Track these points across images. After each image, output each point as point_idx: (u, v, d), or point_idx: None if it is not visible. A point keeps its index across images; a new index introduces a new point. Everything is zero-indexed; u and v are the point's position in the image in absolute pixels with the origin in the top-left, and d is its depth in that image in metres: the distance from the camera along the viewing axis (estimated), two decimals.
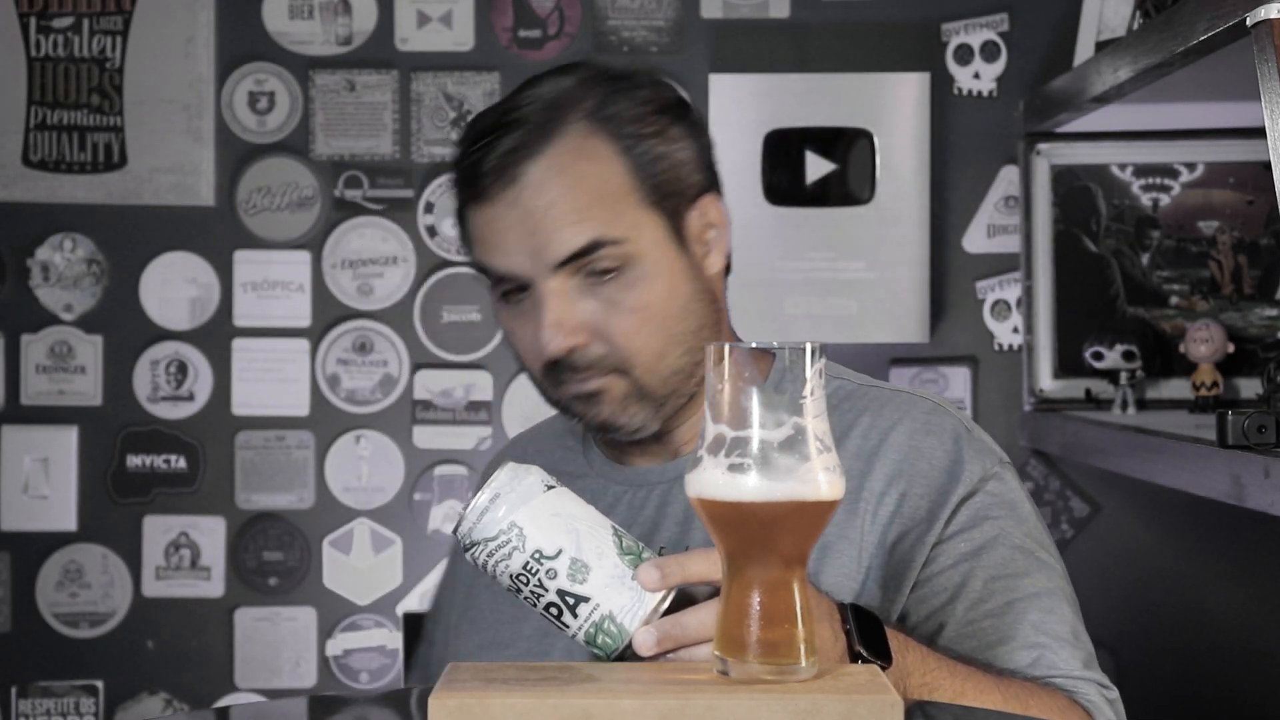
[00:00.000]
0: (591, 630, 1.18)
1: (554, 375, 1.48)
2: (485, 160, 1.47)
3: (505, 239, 1.47)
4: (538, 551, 1.18)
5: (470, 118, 1.56)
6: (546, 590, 1.18)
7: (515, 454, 1.63)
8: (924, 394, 1.56)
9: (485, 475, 1.59)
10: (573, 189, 1.46)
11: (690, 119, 1.53)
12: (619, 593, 1.18)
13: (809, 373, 1.13)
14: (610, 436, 1.52)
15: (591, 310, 1.46)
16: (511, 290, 1.49)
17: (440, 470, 2.71)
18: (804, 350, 1.13)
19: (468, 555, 1.21)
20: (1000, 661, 1.42)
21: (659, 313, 1.47)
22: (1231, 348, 2.47)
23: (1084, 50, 2.48)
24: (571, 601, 1.18)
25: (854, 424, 1.51)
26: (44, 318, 2.71)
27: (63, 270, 2.71)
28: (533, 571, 1.18)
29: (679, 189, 1.50)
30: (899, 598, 1.45)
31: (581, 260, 1.45)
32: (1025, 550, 1.46)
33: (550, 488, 1.21)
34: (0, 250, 2.72)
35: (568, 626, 1.19)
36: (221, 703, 2.68)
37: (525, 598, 1.19)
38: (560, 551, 1.18)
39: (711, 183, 1.54)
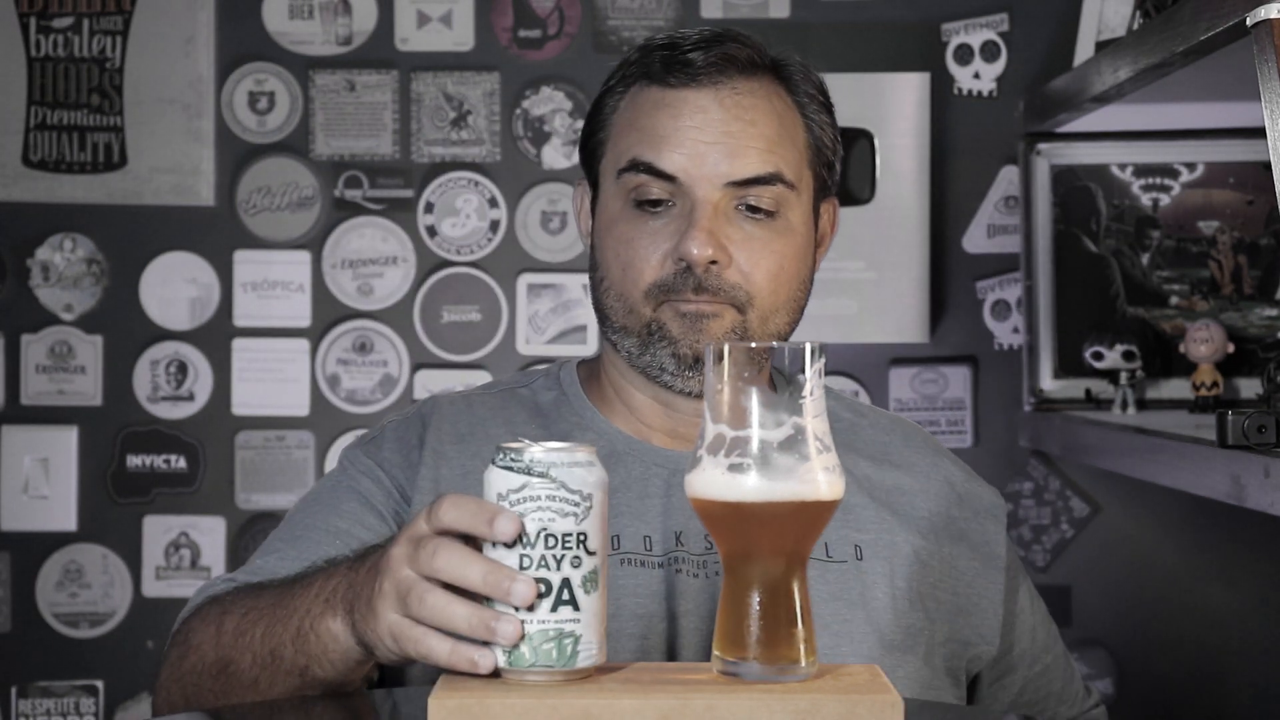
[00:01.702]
0: (552, 634, 1.09)
1: (666, 294, 1.45)
2: (704, 51, 1.47)
3: (689, 136, 1.45)
4: (584, 535, 1.10)
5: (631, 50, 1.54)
6: (556, 570, 1.09)
7: (483, 412, 1.55)
8: (907, 421, 1.65)
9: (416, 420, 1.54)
10: (771, 118, 1.47)
11: (834, 115, 1.55)
12: (596, 630, 1.11)
13: (809, 373, 1.13)
14: (682, 378, 1.47)
15: (738, 239, 1.45)
16: (647, 200, 1.46)
17: None
18: (804, 350, 1.13)
19: (516, 476, 1.10)
20: (1069, 701, 1.65)
21: (791, 269, 1.48)
22: (1231, 348, 2.47)
23: (1084, 50, 2.48)
24: (565, 597, 1.09)
25: (874, 435, 1.58)
26: (44, 318, 2.71)
27: (63, 270, 2.71)
28: (567, 545, 1.09)
29: (830, 170, 1.54)
30: (966, 616, 1.53)
31: (753, 189, 1.45)
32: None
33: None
34: (0, 250, 2.72)
35: (531, 611, 1.09)
36: None
37: (525, 556, 1.09)
38: (595, 554, 1.11)
39: (835, 187, 1.57)
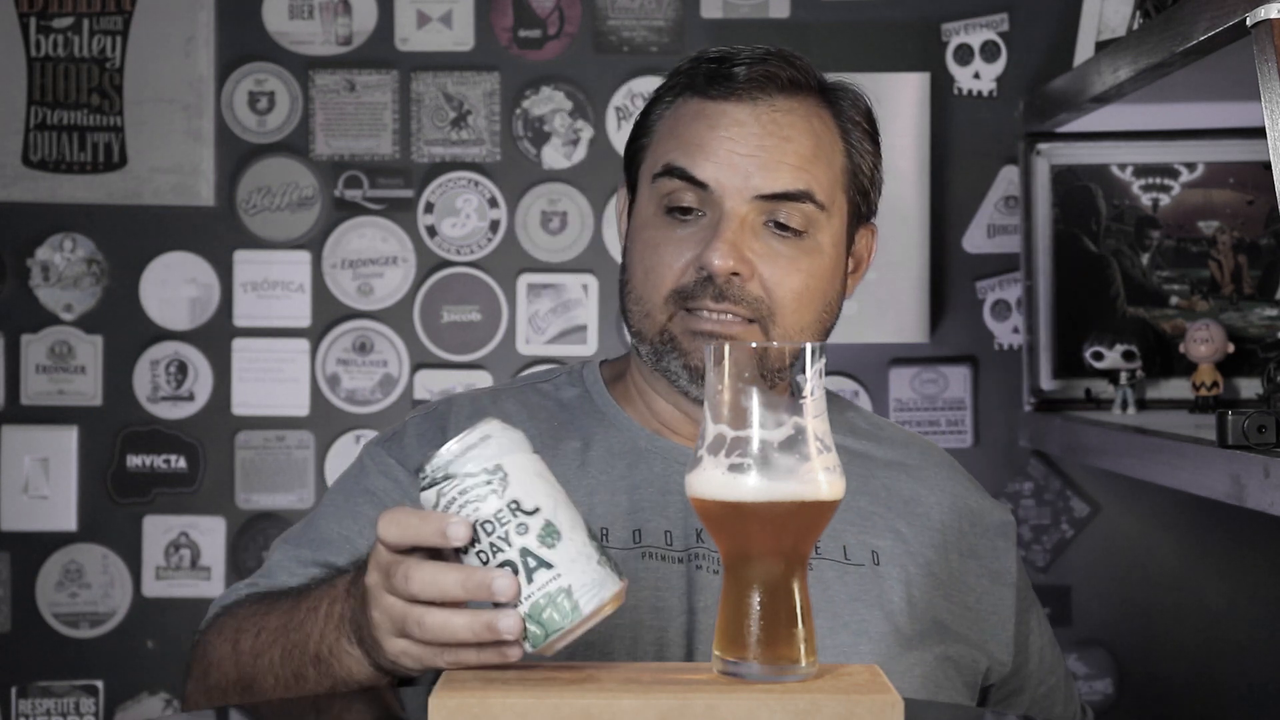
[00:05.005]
0: (543, 601, 1.11)
1: (685, 301, 1.45)
2: (747, 67, 1.48)
3: (723, 147, 1.46)
4: (515, 502, 1.11)
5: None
6: (509, 546, 1.10)
7: (509, 408, 1.56)
8: (923, 438, 1.66)
9: (430, 417, 1.55)
10: (808, 137, 1.48)
11: (879, 143, 1.56)
12: (584, 569, 1.12)
13: (809, 373, 1.13)
14: (696, 386, 1.47)
15: (764, 254, 1.46)
16: (677, 208, 1.47)
17: None
18: (804, 350, 1.13)
19: (431, 491, 1.13)
20: (1070, 715, 1.66)
21: (817, 291, 1.48)
22: (1231, 348, 2.47)
23: (1084, 50, 2.48)
24: (533, 564, 1.10)
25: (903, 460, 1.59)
26: (44, 318, 2.71)
27: (63, 270, 2.71)
28: (503, 521, 1.11)
29: (866, 197, 1.54)
30: (978, 622, 1.54)
31: (782, 204, 1.46)
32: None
33: (536, 451, 1.16)
34: (0, 250, 2.72)
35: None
36: None
37: (479, 552, 1.11)
38: (538, 509, 1.12)
39: (873, 215, 1.57)
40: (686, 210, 1.47)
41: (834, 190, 1.49)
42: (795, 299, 1.46)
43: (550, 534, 1.11)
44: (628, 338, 1.54)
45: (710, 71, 1.49)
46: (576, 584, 1.11)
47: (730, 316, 1.45)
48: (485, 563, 1.11)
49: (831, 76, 1.54)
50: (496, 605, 1.12)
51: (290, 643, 1.32)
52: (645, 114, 1.55)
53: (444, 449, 1.13)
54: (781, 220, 1.46)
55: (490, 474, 1.12)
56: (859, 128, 1.53)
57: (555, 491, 1.14)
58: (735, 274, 1.44)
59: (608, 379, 1.58)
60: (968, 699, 1.52)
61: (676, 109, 1.51)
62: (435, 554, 1.15)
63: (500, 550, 1.11)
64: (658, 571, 1.45)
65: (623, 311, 1.53)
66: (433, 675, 1.44)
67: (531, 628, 1.11)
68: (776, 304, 1.45)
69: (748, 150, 1.46)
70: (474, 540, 1.12)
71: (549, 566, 1.11)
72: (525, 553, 1.11)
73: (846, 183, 1.51)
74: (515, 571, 1.11)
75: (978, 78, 2.72)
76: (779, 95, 1.48)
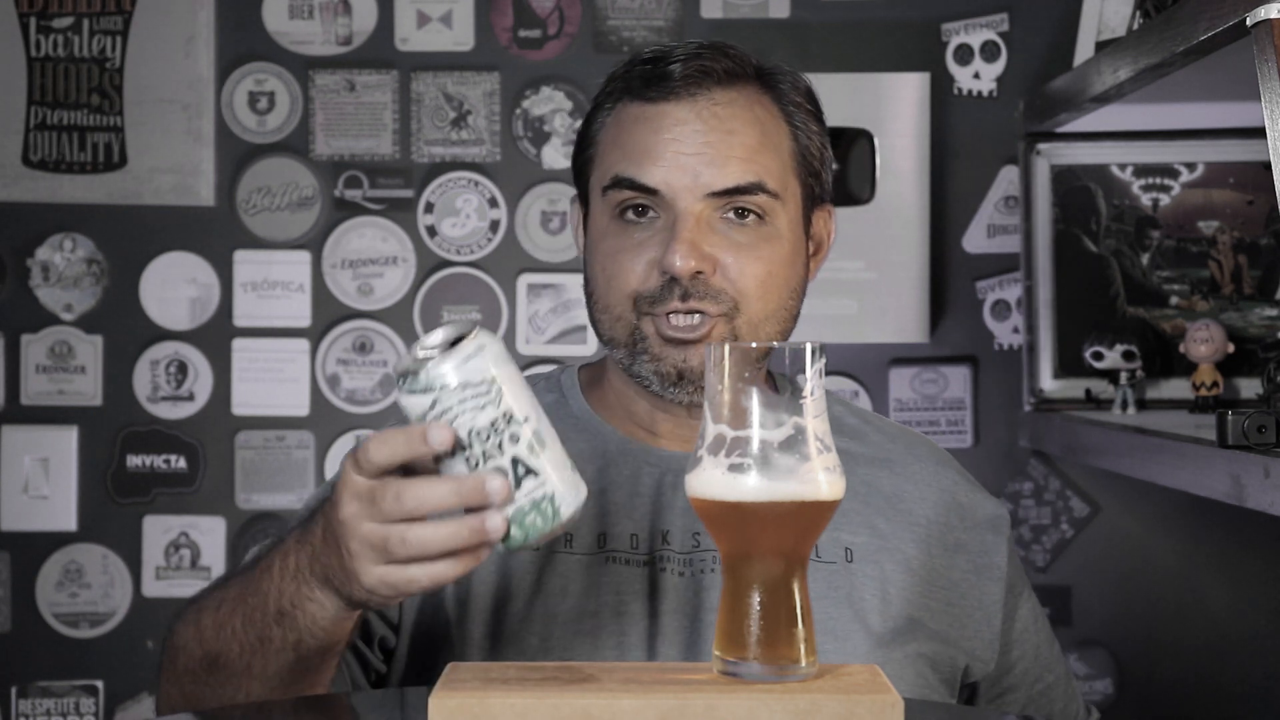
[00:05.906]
0: (527, 506, 1.12)
1: (651, 306, 1.45)
2: (682, 64, 1.47)
3: (669, 149, 1.45)
4: (509, 412, 1.12)
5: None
6: (501, 454, 1.12)
7: None
8: (914, 432, 1.65)
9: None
10: (752, 127, 1.47)
11: (824, 122, 1.55)
12: (563, 477, 1.13)
13: (809, 373, 1.13)
14: (668, 391, 1.47)
15: (724, 247, 1.45)
16: (630, 208, 1.47)
17: None
18: (804, 350, 1.13)
19: (424, 397, 1.12)
20: (1071, 713, 1.65)
21: (780, 276, 1.48)
22: (1231, 348, 2.47)
23: (1084, 50, 2.48)
24: (522, 472, 1.12)
25: (891, 453, 1.58)
26: (44, 318, 2.71)
27: (63, 270, 2.71)
28: (498, 430, 1.12)
29: (818, 178, 1.53)
30: (959, 624, 1.53)
31: (735, 198, 1.45)
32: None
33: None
34: (0, 250, 2.72)
35: None
36: None
37: (469, 458, 1.12)
38: (528, 419, 1.13)
39: (827, 195, 1.56)
40: (641, 212, 1.47)
41: (785, 176, 1.48)
42: (760, 286, 1.46)
43: (539, 441, 1.13)
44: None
45: (645, 73, 1.48)
46: (558, 491, 1.13)
47: (698, 317, 1.45)
48: (476, 466, 1.12)
49: (766, 62, 1.53)
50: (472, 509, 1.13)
51: (249, 607, 1.31)
52: (587, 124, 1.53)
53: (441, 359, 1.13)
54: (738, 210, 1.46)
55: (489, 384, 1.12)
56: (802, 109, 1.52)
57: (536, 401, 1.15)
58: (699, 272, 1.44)
59: (585, 383, 1.58)
60: (946, 697, 1.51)
61: (617, 115, 1.50)
62: (408, 472, 1.15)
63: (492, 458, 1.12)
64: (620, 575, 1.45)
65: (591, 322, 1.52)
66: (400, 675, 1.45)
67: (514, 531, 1.13)
68: (742, 294, 1.45)
69: (693, 149, 1.45)
70: (463, 447, 1.12)
71: (536, 474, 1.12)
72: (516, 461, 1.12)
73: (796, 166, 1.50)
74: (505, 477, 1.12)
75: (978, 78, 2.72)
76: (717, 89, 1.47)
